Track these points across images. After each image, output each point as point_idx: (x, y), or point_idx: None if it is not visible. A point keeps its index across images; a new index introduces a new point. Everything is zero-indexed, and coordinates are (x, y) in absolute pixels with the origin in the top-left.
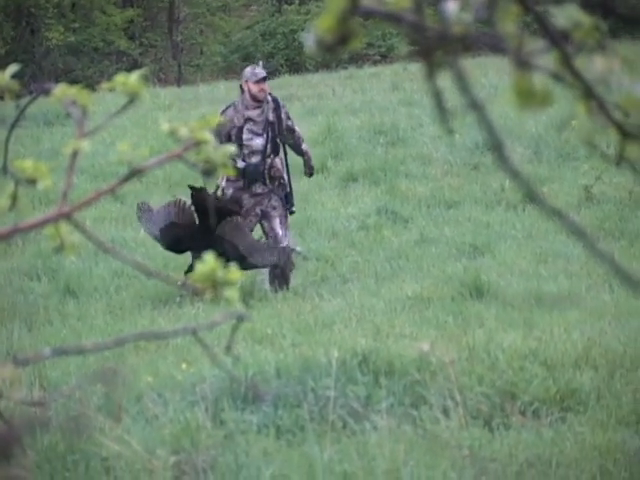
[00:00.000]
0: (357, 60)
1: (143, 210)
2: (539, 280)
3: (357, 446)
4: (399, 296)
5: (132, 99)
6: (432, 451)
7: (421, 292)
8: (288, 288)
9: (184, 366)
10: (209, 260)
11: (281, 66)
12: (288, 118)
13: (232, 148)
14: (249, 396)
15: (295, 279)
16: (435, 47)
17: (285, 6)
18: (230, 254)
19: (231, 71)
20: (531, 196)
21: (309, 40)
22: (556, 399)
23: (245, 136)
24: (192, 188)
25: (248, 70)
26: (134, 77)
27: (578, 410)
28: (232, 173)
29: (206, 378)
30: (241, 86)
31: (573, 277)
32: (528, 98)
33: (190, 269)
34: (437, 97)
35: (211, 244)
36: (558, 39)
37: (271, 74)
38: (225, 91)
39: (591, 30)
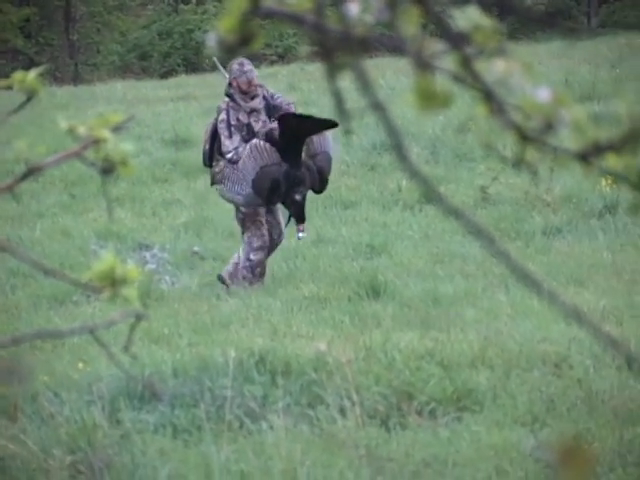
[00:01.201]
0: (254, 60)
1: (225, 177)
2: (435, 280)
3: (254, 446)
4: (296, 296)
5: (30, 97)
6: (329, 451)
7: (318, 292)
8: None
9: (80, 365)
10: (107, 258)
11: (178, 66)
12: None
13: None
14: (146, 396)
15: (192, 279)
16: (336, 48)
17: (182, 6)
18: (322, 168)
19: (128, 70)
20: (430, 196)
21: (210, 40)
22: (452, 399)
23: (256, 128)
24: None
25: (235, 67)
26: (32, 75)
27: (474, 410)
28: (131, 173)
29: (103, 377)
30: (230, 83)
31: (469, 277)
32: (429, 99)
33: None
34: (337, 97)
35: (301, 175)
36: (457, 41)
37: (167, 74)
38: (122, 90)
39: (491, 33)
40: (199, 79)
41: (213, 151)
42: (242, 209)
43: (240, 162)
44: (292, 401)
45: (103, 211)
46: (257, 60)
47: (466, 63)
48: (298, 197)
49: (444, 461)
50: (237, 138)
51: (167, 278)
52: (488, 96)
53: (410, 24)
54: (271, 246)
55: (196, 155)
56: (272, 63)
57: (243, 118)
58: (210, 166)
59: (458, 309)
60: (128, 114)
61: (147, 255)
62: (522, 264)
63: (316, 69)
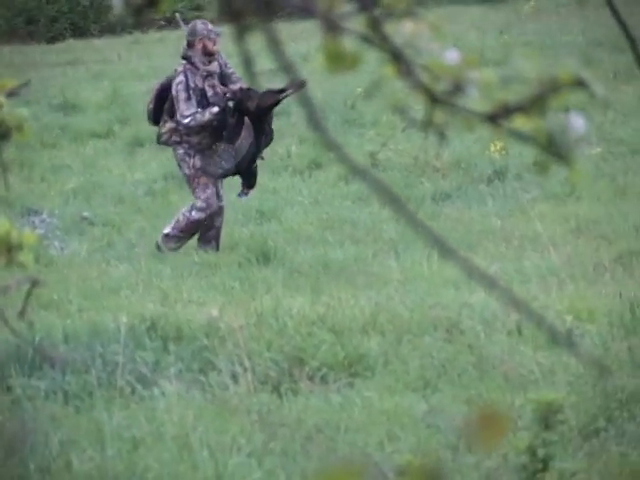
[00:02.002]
0: (142, 25)
1: (215, 152)
2: (325, 246)
3: (146, 412)
4: (186, 262)
5: None
6: (221, 416)
7: (208, 258)
8: (218, 249)
9: None
10: (3, 224)
11: (65, 30)
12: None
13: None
14: (36, 362)
15: (81, 245)
16: (246, 10)
17: None
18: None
19: (15, 35)
20: (341, 158)
21: (117, 1)
22: (344, 364)
23: (209, 93)
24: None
25: (200, 27)
26: None
27: (366, 375)
28: (27, 137)
29: None
30: (190, 43)
31: (359, 243)
32: (337, 60)
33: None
34: (246, 59)
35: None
36: (367, 3)
37: (54, 38)
38: (9, 55)
39: None
40: (87, 44)
41: (160, 111)
42: (186, 171)
43: (237, 142)
44: (184, 367)
45: None
46: (145, 26)
47: (375, 25)
48: (255, 165)
49: (336, 426)
50: (194, 102)
51: (56, 244)
52: (396, 58)
53: None
54: (219, 210)
55: (85, 120)
56: (160, 28)
57: (198, 82)
58: (156, 124)
59: (348, 275)
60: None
61: (36, 220)
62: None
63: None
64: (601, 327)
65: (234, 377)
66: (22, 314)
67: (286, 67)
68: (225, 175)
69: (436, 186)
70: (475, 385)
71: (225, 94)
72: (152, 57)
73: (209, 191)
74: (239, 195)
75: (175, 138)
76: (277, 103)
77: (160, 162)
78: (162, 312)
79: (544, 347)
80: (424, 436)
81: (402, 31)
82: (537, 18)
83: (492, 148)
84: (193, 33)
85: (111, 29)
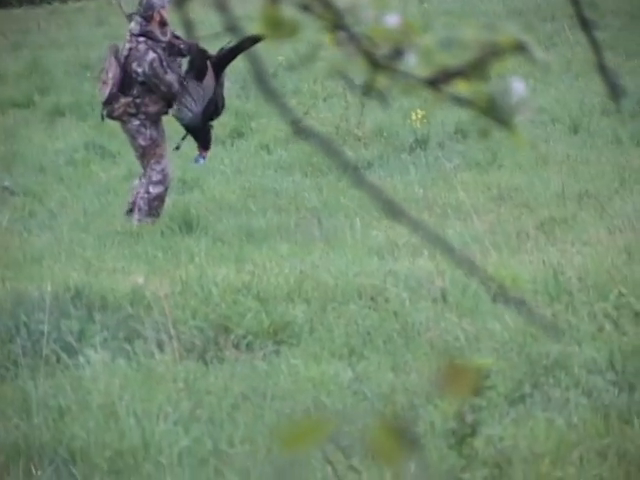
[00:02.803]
0: None
1: (181, 93)
2: (248, 215)
3: (71, 380)
4: (109, 231)
5: None
6: (147, 385)
7: (130, 227)
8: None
9: None
10: None
11: None
12: None
13: None
14: None
15: (2, 214)
16: None
17: None
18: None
19: None
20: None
21: None
22: (270, 332)
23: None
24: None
25: None
26: None
27: (291, 343)
28: None
29: None
30: (148, 17)
31: (282, 212)
32: (276, 28)
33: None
34: (187, 24)
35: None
36: None
37: None
38: None
39: None
40: (5, 13)
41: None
42: (142, 142)
43: (205, 80)
44: (109, 336)
45: None
46: None
47: None
48: (211, 123)
49: (263, 394)
50: (171, 73)
51: None
52: (338, 24)
53: None
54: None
55: (5, 89)
56: None
57: (161, 53)
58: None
59: (271, 243)
60: None
61: None
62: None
63: (124, 3)
64: (525, 294)
65: (160, 345)
66: None
67: (233, 28)
68: (188, 127)
69: (358, 155)
70: (401, 352)
71: (180, 48)
72: (72, 27)
73: (164, 161)
74: (196, 161)
75: (130, 110)
76: (234, 56)
77: (81, 131)
78: (86, 281)
79: (468, 314)
80: (350, 403)
81: None
82: None
83: (413, 117)
84: (150, 6)
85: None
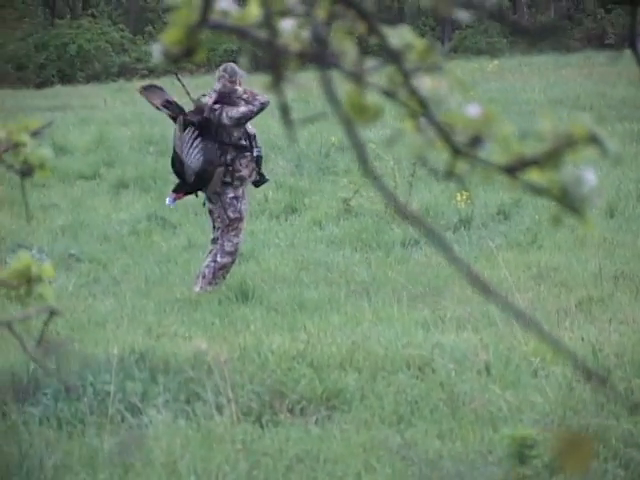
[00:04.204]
0: (126, 74)
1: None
2: (301, 286)
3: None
4: (168, 298)
5: None
6: (207, 445)
7: (189, 295)
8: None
9: None
10: (23, 257)
11: (53, 76)
12: None
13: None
14: (30, 389)
15: (68, 279)
16: (280, 61)
17: (57, 20)
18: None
19: (4, 80)
20: (393, 204)
21: (156, 51)
22: (322, 398)
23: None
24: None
25: (237, 69)
26: None
27: (343, 409)
28: (47, 175)
29: None
30: (232, 82)
31: (333, 284)
32: (361, 112)
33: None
34: (283, 108)
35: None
36: (395, 57)
37: (43, 84)
38: (0, 98)
39: (424, 51)
40: (73, 90)
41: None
42: (231, 215)
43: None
44: (171, 397)
45: None
46: (129, 74)
47: (403, 78)
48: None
49: (315, 457)
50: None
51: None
52: (420, 110)
53: (345, 41)
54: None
55: (73, 162)
56: (143, 77)
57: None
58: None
59: (323, 314)
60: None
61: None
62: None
63: (185, 83)
64: (565, 369)
65: (219, 408)
66: (40, 342)
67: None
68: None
69: (405, 232)
70: (447, 421)
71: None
72: (136, 104)
73: (241, 236)
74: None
75: (226, 179)
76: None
77: (144, 203)
78: (150, 345)
79: (511, 386)
80: (399, 468)
81: (423, 85)
82: (500, 76)
83: (458, 197)
84: (234, 73)
85: (96, 76)
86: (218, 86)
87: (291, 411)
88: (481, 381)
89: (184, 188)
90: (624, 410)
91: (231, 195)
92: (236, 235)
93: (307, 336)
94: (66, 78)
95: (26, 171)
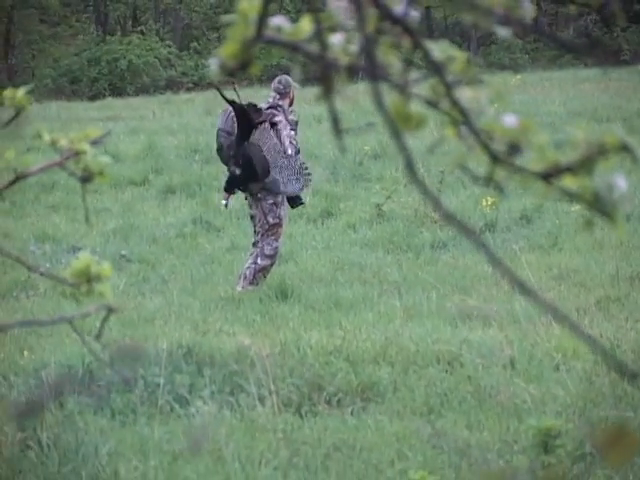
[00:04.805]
0: (173, 87)
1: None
2: (336, 286)
3: (183, 428)
4: (213, 297)
5: (19, 111)
6: (250, 434)
7: (232, 293)
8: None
9: (25, 353)
10: (84, 257)
11: (104, 89)
12: None
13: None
14: (85, 381)
15: (119, 279)
16: (331, 74)
17: (109, 37)
18: (256, 160)
19: (60, 92)
20: (437, 208)
21: (213, 64)
22: (358, 390)
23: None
24: (232, 103)
25: (291, 81)
26: (21, 92)
27: (377, 401)
28: (107, 181)
29: (46, 364)
30: (283, 93)
31: (366, 284)
32: (406, 120)
33: (227, 184)
34: (334, 118)
35: (245, 153)
36: (439, 69)
37: (95, 97)
38: (56, 110)
39: (464, 63)
40: (124, 102)
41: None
42: (270, 220)
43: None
44: (216, 389)
45: (39, 216)
46: (175, 87)
47: (446, 89)
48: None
49: (352, 446)
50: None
51: None
52: (463, 120)
53: (390, 54)
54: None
55: (124, 169)
56: (189, 90)
57: (290, 124)
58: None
59: (357, 312)
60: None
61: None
62: (413, 274)
63: (228, 96)
64: (585, 364)
65: (261, 399)
66: (99, 337)
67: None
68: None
69: (434, 235)
70: (474, 412)
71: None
72: (182, 115)
73: (280, 241)
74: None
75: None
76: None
77: (190, 208)
78: (196, 340)
79: (535, 380)
80: (430, 456)
81: (462, 96)
82: (523, 90)
83: (484, 203)
84: (288, 84)
85: (145, 89)
86: (272, 95)
87: (328, 402)
88: (506, 375)
89: (234, 184)
90: None
91: (270, 201)
92: (276, 239)
93: (343, 332)
94: (117, 91)
95: (86, 177)
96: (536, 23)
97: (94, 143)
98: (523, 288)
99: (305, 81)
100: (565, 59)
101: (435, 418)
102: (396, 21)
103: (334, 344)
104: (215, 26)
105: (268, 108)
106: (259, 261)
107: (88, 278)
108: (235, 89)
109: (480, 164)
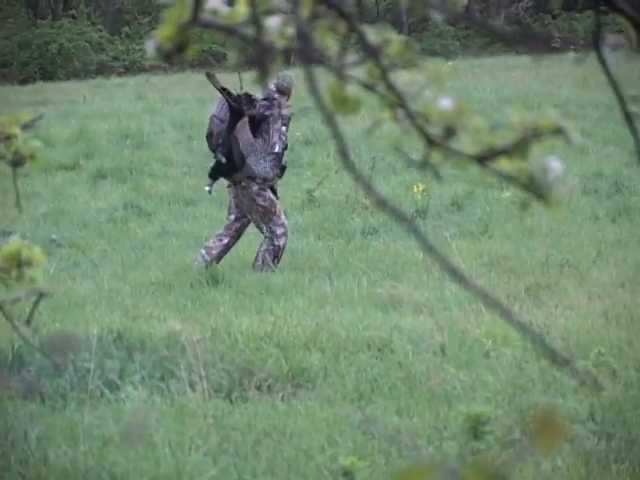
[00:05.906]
0: (104, 71)
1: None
2: (268, 272)
3: (113, 413)
4: (144, 282)
5: None
6: (180, 419)
7: (163, 279)
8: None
9: None
10: (15, 242)
11: (35, 73)
12: None
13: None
14: (14, 366)
15: (50, 264)
16: (267, 57)
17: (40, 20)
18: (235, 151)
19: None
20: (373, 196)
21: (149, 47)
22: (288, 376)
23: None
24: (222, 90)
25: (291, 77)
26: None
27: (308, 387)
28: (39, 165)
29: None
30: (282, 91)
31: (297, 270)
32: (342, 104)
33: (212, 171)
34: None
35: (230, 142)
36: (374, 53)
37: (26, 80)
38: None
39: (401, 47)
40: (55, 86)
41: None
42: (262, 203)
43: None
44: (147, 375)
45: None
46: (106, 72)
47: (381, 73)
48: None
49: (282, 431)
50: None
51: None
52: (399, 103)
53: (328, 37)
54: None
55: (54, 153)
56: (120, 74)
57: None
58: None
59: (288, 297)
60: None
61: (9, 241)
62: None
63: (160, 80)
64: (515, 350)
65: (191, 385)
66: (29, 322)
67: (328, 116)
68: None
69: (365, 222)
70: (404, 398)
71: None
72: (113, 99)
73: (283, 216)
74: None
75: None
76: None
77: (121, 193)
78: (127, 325)
79: (465, 366)
80: (360, 442)
81: (399, 79)
82: (455, 77)
83: (415, 189)
84: (290, 83)
85: (76, 74)
86: (271, 88)
87: (259, 388)
88: (436, 361)
89: (219, 172)
90: (569, 389)
91: (255, 187)
92: (278, 217)
93: (274, 318)
94: (48, 75)
95: (17, 161)
96: (467, 10)
97: (25, 127)
98: (454, 274)
99: (241, 64)
100: (496, 46)
101: (365, 404)
102: (331, 5)
103: (265, 330)
104: (147, 10)
105: (264, 100)
106: (276, 242)
107: (19, 263)
108: (209, 77)
109: (415, 148)
